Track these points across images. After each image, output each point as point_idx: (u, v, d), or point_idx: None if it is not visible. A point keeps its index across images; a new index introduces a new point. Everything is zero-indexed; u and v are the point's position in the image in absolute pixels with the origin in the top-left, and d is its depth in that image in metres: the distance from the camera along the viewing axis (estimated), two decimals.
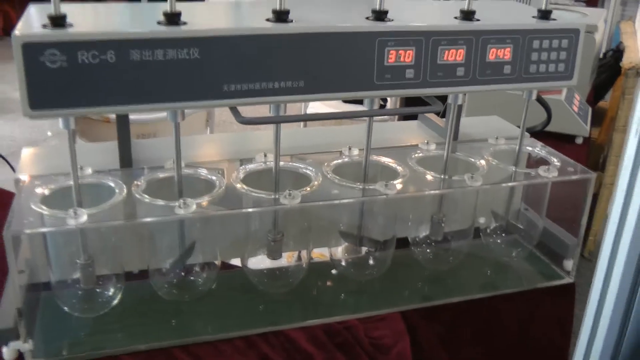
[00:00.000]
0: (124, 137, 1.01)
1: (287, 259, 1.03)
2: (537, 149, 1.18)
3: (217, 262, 1.00)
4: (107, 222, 0.90)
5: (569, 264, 1.17)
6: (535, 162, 1.17)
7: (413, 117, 1.37)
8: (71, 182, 0.96)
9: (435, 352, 1.04)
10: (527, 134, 1.17)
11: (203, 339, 0.95)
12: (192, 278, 1.00)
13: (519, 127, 1.23)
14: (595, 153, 2.10)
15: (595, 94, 2.39)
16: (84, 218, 0.86)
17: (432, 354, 1.03)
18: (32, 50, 0.77)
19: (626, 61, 1.92)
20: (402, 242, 1.11)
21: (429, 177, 1.04)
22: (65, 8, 0.81)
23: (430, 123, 1.25)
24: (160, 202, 0.91)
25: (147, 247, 0.98)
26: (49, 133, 4.13)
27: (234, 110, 0.87)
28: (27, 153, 1.09)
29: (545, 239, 1.20)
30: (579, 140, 1.72)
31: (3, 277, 1.02)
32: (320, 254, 1.12)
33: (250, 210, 0.93)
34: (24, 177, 0.99)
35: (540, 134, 1.23)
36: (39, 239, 0.94)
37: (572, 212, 1.30)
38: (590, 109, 1.89)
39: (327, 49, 0.87)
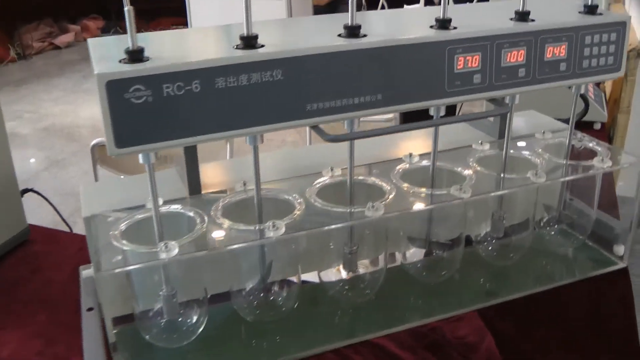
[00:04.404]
0: (193, 164, 1.00)
1: (362, 270, 1.04)
2: (580, 139, 1.21)
3: (297, 279, 1.01)
4: (198, 252, 0.89)
5: (619, 249, 1.21)
6: (580, 152, 1.20)
7: None
8: (142, 216, 0.96)
9: (517, 345, 1.06)
10: (567, 125, 1.20)
11: (294, 356, 0.95)
12: (273, 298, 1.00)
13: (557, 119, 1.27)
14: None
15: None
16: (175, 251, 0.86)
17: (515, 346, 1.06)
18: (117, 87, 0.77)
19: None
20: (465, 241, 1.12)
21: (491, 176, 1.07)
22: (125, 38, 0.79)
23: (475, 124, 1.27)
24: (247, 226, 0.91)
25: (229, 271, 0.98)
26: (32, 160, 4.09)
27: (317, 128, 0.88)
28: (86, 190, 1.08)
29: (594, 227, 1.23)
30: (597, 126, 1.77)
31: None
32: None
33: (337, 225, 0.93)
34: (92, 214, 0.98)
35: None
36: (123, 276, 0.93)
37: (609, 199, 1.34)
38: (603, 95, 1.94)
39: (402, 60, 0.88)
